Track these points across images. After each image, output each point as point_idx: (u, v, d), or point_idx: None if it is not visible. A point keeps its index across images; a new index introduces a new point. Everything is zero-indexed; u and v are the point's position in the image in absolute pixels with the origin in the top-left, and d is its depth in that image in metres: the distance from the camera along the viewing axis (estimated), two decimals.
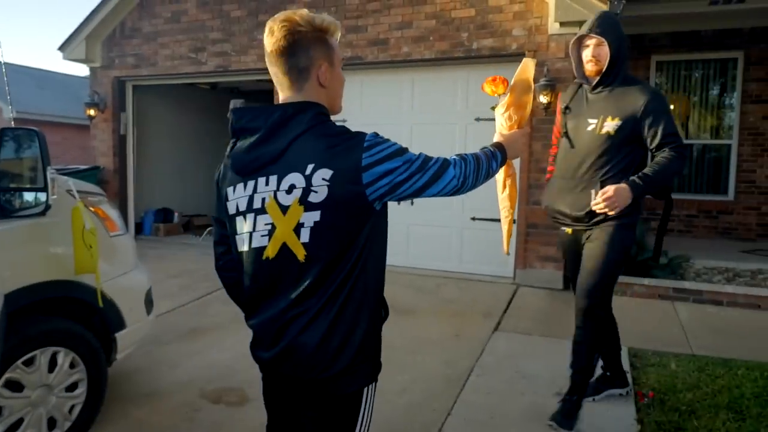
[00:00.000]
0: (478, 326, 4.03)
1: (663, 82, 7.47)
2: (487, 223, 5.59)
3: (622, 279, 5.08)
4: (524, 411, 2.80)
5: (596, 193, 2.39)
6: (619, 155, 2.45)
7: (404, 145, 1.31)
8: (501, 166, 1.53)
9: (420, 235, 5.91)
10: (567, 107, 2.61)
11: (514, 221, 2.26)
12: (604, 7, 4.79)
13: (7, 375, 2.22)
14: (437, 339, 3.86)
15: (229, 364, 3.41)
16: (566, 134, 2.58)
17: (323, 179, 1.20)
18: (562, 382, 2.91)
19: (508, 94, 1.84)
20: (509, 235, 2.06)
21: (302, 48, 1.26)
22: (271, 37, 1.27)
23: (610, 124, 2.42)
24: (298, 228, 1.23)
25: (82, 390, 2.51)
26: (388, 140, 1.27)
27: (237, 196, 1.31)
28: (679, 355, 3.58)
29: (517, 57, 4.96)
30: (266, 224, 1.26)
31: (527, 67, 1.86)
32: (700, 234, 7.15)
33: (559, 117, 2.71)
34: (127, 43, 7.35)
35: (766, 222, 6.96)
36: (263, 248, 1.27)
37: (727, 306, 4.72)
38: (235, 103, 6.32)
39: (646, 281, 4.99)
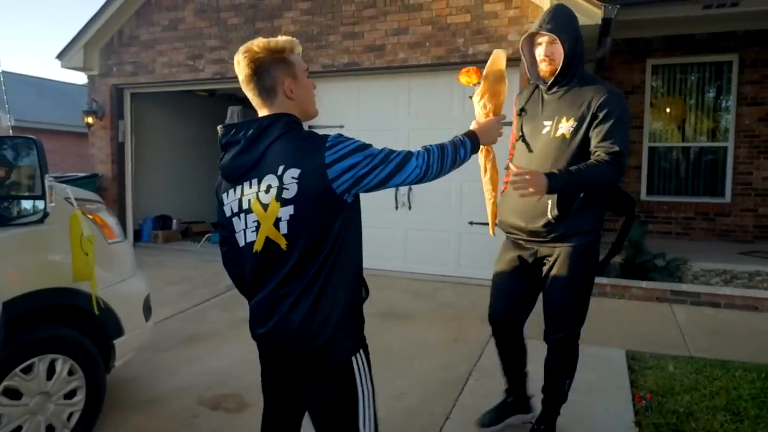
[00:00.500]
0: (477, 330, 4.04)
1: (659, 86, 7.52)
2: (485, 227, 5.60)
3: (619, 282, 5.10)
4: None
5: (553, 205, 2.20)
6: (575, 159, 2.19)
7: (394, 147, 1.49)
8: (473, 152, 1.67)
9: (418, 240, 5.92)
10: (522, 109, 2.41)
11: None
12: (599, 12, 4.83)
13: (5, 382, 2.22)
14: (435, 343, 3.87)
15: (228, 371, 3.42)
16: (522, 138, 2.38)
17: (292, 177, 1.39)
18: None
19: (482, 83, 2.02)
20: (494, 218, 2.22)
21: (264, 71, 1.47)
22: (239, 67, 1.49)
23: (565, 126, 2.21)
24: (277, 222, 1.43)
25: (80, 397, 2.52)
26: (350, 138, 1.44)
27: (230, 200, 1.52)
28: (677, 357, 3.59)
29: (513, 62, 4.99)
30: (253, 222, 1.47)
31: (498, 58, 2.04)
32: (698, 236, 7.17)
33: (515, 120, 2.53)
34: (125, 51, 7.39)
35: (763, 224, 6.98)
36: (253, 242, 1.48)
37: (725, 308, 4.73)
38: (233, 110, 6.40)
39: (644, 284, 5.01)
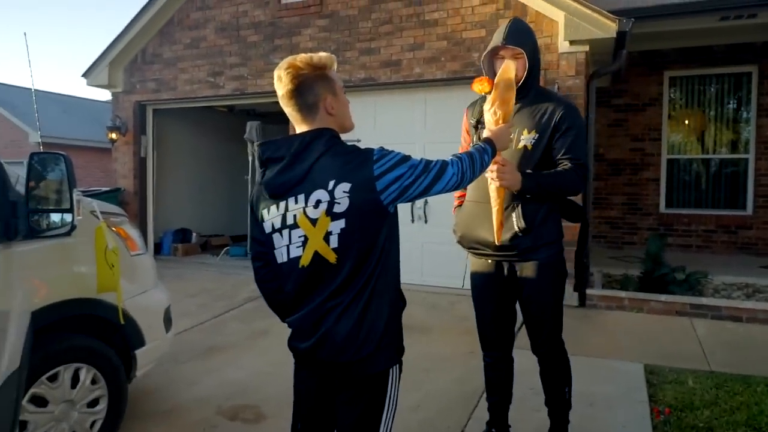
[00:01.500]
0: None
1: (677, 98, 7.47)
2: None
3: (637, 295, 5.05)
4: (538, 428, 2.79)
5: (519, 217, 2.20)
6: (540, 170, 2.22)
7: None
8: (493, 157, 1.79)
9: (433, 253, 5.94)
10: (479, 122, 2.38)
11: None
12: (613, 25, 4.85)
13: (32, 390, 2.29)
14: (451, 356, 3.88)
15: (246, 382, 3.46)
16: None
17: (344, 191, 1.42)
18: (575, 398, 2.90)
19: (493, 91, 2.12)
20: (500, 226, 2.23)
21: (308, 88, 1.49)
22: (280, 83, 1.51)
23: (527, 138, 2.22)
24: (327, 236, 1.45)
25: (102, 406, 2.58)
26: (392, 151, 1.49)
27: (272, 216, 1.54)
28: (696, 372, 3.54)
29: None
30: (299, 237, 1.49)
31: (509, 68, 2.15)
32: (719, 249, 7.06)
33: (467, 136, 2.51)
34: (148, 68, 7.60)
35: None
36: (299, 257, 1.49)
37: (747, 322, 4.64)
38: (251, 125, 6.57)
39: (663, 297, 4.95)
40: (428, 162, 1.52)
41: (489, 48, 2.28)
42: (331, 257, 1.45)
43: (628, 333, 4.42)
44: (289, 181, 1.48)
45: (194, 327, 4.67)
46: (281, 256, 1.53)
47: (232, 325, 4.74)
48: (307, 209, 1.46)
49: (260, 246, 1.62)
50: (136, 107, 7.75)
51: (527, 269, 2.29)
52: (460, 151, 2.61)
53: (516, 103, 2.25)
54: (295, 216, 1.48)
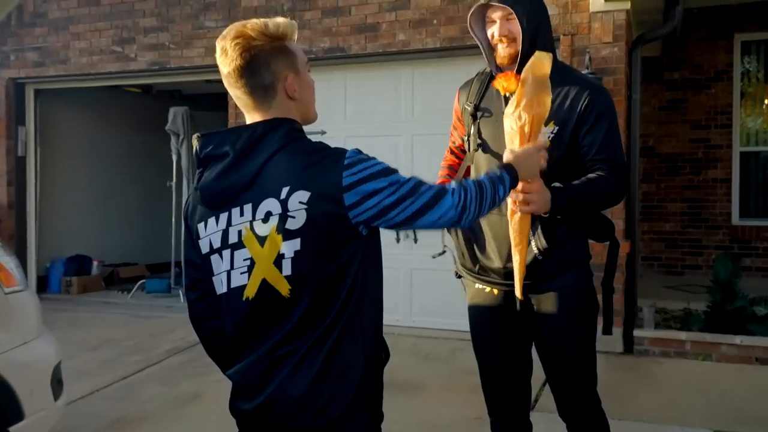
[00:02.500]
0: None
1: (754, 70, 7.70)
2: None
3: (703, 337, 5.16)
4: None
5: (538, 235, 2.24)
6: (559, 175, 2.25)
7: (404, 163, 1.57)
8: (512, 189, 1.80)
9: (426, 284, 5.99)
10: (477, 108, 2.42)
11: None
12: None
13: None
14: (452, 423, 3.92)
15: None
16: (483, 146, 2.40)
17: (300, 202, 1.45)
18: None
19: (518, 88, 2.15)
20: (522, 275, 2.23)
21: (262, 63, 1.53)
22: (226, 58, 1.53)
23: (544, 131, 2.22)
24: (278, 260, 1.48)
25: None
26: (373, 158, 1.53)
27: (210, 232, 1.56)
28: None
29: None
30: (245, 260, 1.52)
31: (541, 62, 2.14)
32: None
33: (458, 123, 2.58)
34: (26, 33, 7.59)
35: None
36: (243, 287, 1.50)
37: None
38: (176, 112, 6.67)
39: (738, 340, 5.06)
40: (420, 183, 1.55)
41: (474, 7, 2.35)
42: (284, 288, 1.49)
43: (692, 388, 4.51)
44: (232, 186, 1.52)
45: (96, 392, 4.65)
46: (220, 286, 1.57)
47: (149, 388, 4.72)
48: (254, 224, 1.50)
49: (196, 271, 1.66)
50: (9, 86, 7.73)
51: (547, 301, 2.33)
52: (447, 152, 2.68)
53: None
54: (239, 232, 1.52)
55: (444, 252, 2.64)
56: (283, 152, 1.50)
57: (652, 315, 5.55)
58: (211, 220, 1.56)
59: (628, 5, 5.29)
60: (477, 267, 2.44)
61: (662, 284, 6.97)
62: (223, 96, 6.90)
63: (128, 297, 7.80)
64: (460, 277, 2.59)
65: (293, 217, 1.46)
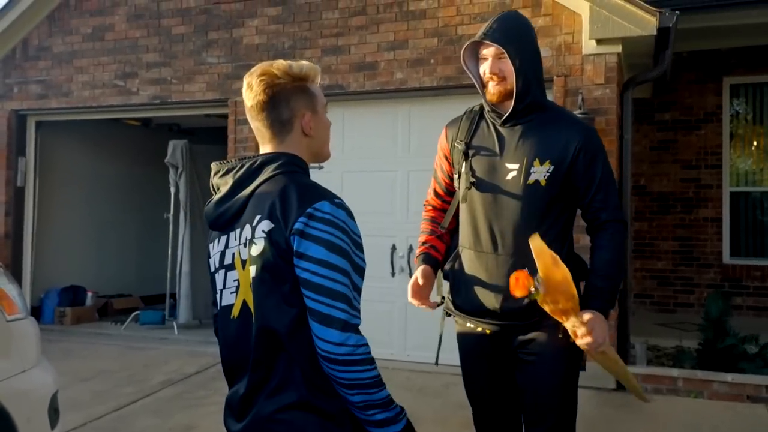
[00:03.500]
0: None
1: (743, 112, 7.85)
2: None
3: (695, 374, 5.20)
4: None
5: (539, 283, 2.20)
6: (553, 214, 2.39)
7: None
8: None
9: (421, 318, 5.96)
10: (469, 146, 2.46)
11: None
12: (653, 20, 5.18)
13: None
14: None
15: None
16: (476, 184, 2.42)
17: (263, 231, 1.56)
18: None
19: (539, 291, 2.16)
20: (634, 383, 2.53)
21: (283, 100, 1.67)
22: (251, 92, 1.69)
23: (540, 171, 2.33)
24: (254, 285, 1.59)
25: None
26: (349, 225, 1.57)
27: (215, 252, 1.71)
28: None
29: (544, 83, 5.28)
30: (234, 280, 1.62)
31: (549, 267, 2.15)
32: None
33: (445, 162, 2.59)
34: (31, 66, 7.71)
35: None
36: (231, 306, 1.62)
37: None
38: (175, 145, 6.77)
39: (730, 377, 5.10)
40: (353, 299, 1.55)
41: (468, 43, 2.43)
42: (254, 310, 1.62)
43: (684, 425, 4.54)
44: (227, 212, 1.67)
45: (89, 423, 4.63)
46: (219, 303, 1.70)
47: (142, 420, 4.71)
48: (240, 248, 1.63)
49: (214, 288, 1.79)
50: (11, 118, 7.82)
51: (539, 337, 2.37)
52: (430, 198, 2.68)
53: (518, 124, 2.40)
54: (233, 255, 1.65)
55: (443, 302, 2.64)
56: (269, 182, 1.62)
57: (645, 352, 5.59)
58: (216, 242, 1.72)
59: (619, 48, 5.45)
60: (469, 306, 2.46)
61: (654, 321, 7.02)
62: (221, 130, 7.02)
63: (122, 328, 7.76)
64: (449, 315, 2.60)
65: (255, 244, 1.58)
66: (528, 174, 2.34)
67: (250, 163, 1.66)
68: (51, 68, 7.62)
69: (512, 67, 2.31)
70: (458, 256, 2.53)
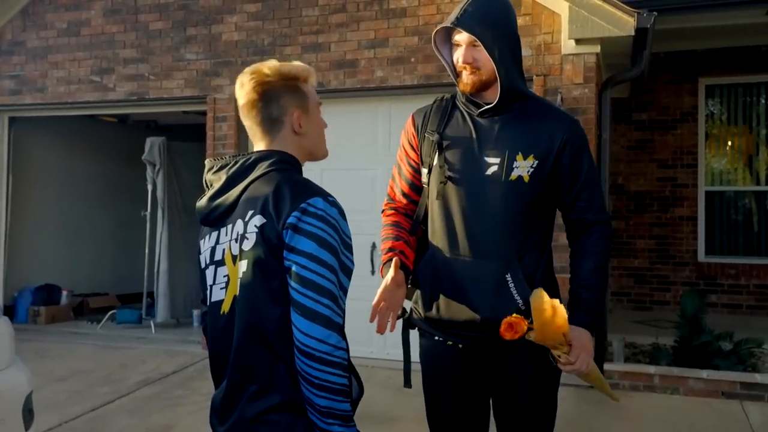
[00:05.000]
0: None
1: (717, 112, 7.96)
2: None
3: (671, 371, 5.27)
4: None
5: (517, 281, 2.10)
6: (535, 215, 2.17)
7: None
8: None
9: None
10: (443, 136, 2.22)
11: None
12: (630, 21, 5.23)
13: None
14: None
15: None
16: (452, 179, 2.16)
17: (255, 226, 1.58)
18: None
19: (532, 337, 1.99)
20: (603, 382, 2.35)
21: (272, 97, 1.70)
22: (242, 91, 1.72)
23: (523, 166, 2.10)
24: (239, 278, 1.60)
25: None
26: (340, 222, 1.59)
27: (205, 248, 1.73)
28: None
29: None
30: (224, 276, 1.64)
31: (544, 310, 1.95)
32: None
33: (411, 153, 2.33)
34: (4, 61, 7.59)
35: None
36: (220, 302, 1.63)
37: None
38: (153, 143, 6.72)
39: (705, 374, 5.17)
40: (339, 297, 1.56)
41: (438, 27, 2.21)
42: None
43: (661, 422, 4.60)
44: (219, 207, 1.70)
45: (64, 424, 4.59)
46: (207, 299, 1.72)
47: (119, 420, 4.67)
48: (231, 243, 1.65)
49: (203, 285, 1.80)
50: None
51: (518, 350, 2.11)
52: (393, 192, 2.37)
53: (496, 115, 2.16)
54: (223, 250, 1.68)
55: (406, 314, 2.35)
56: (261, 179, 1.64)
57: (622, 349, 5.65)
58: (206, 238, 1.75)
59: (598, 48, 5.49)
60: (442, 317, 2.19)
61: (631, 319, 7.09)
62: (200, 127, 6.97)
63: (98, 327, 7.69)
64: (413, 327, 2.33)
65: (247, 239, 1.59)
66: (510, 169, 2.10)
67: (244, 159, 1.68)
68: (25, 63, 7.51)
69: (488, 56, 2.08)
70: (430, 261, 2.24)
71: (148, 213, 8.04)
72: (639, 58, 5.78)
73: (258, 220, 1.58)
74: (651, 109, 7.91)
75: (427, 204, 2.29)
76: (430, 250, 2.26)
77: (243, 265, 1.59)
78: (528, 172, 2.11)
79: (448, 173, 2.17)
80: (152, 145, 7.66)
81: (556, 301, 1.96)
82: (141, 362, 6.07)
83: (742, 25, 6.52)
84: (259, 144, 1.75)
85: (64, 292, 8.41)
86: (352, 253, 1.62)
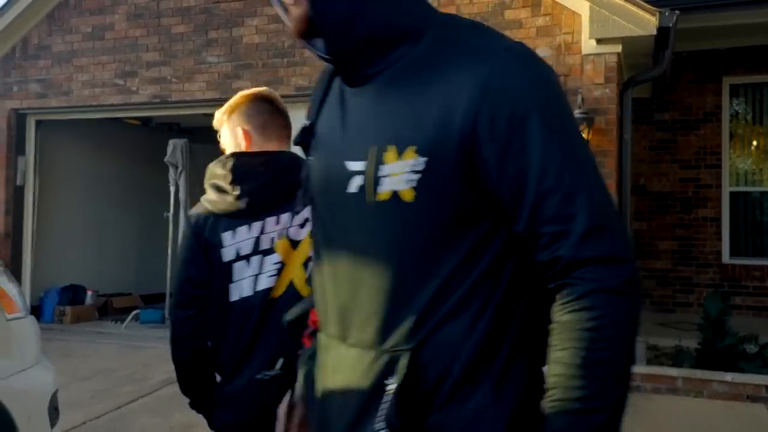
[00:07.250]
0: None
1: (742, 112, 7.85)
2: None
3: (694, 374, 5.19)
4: None
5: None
6: (456, 254, 1.06)
7: None
8: None
9: None
10: (311, 132, 1.26)
11: None
12: (653, 20, 5.18)
13: None
14: None
15: None
16: (314, 206, 1.25)
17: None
18: None
19: None
20: None
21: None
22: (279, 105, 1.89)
23: (397, 169, 1.06)
24: (307, 262, 1.63)
25: None
26: None
27: (239, 239, 1.70)
28: None
29: None
30: (275, 263, 1.65)
31: None
32: None
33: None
34: (30, 65, 7.71)
35: None
36: (269, 289, 1.64)
37: None
38: (175, 144, 6.78)
39: (730, 377, 5.10)
40: None
41: None
42: (305, 291, 1.62)
43: (684, 425, 4.55)
44: (272, 197, 1.71)
45: (88, 422, 4.63)
46: (239, 291, 1.69)
47: (142, 419, 4.71)
48: (291, 229, 1.69)
49: (197, 288, 1.76)
50: (11, 117, 7.82)
51: None
52: None
53: (369, 79, 1.14)
54: (272, 239, 1.70)
55: (279, 373, 1.65)
56: None
57: (644, 352, 5.59)
58: (242, 229, 1.72)
59: (619, 48, 5.45)
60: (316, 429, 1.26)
61: (654, 321, 7.01)
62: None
63: (122, 327, 7.76)
64: None
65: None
66: (376, 180, 1.08)
67: (286, 154, 1.80)
68: (51, 67, 7.62)
69: None
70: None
71: (170, 214, 8.09)
72: (661, 58, 5.73)
73: None
74: (673, 109, 7.81)
75: None
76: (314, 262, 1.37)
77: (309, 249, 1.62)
78: (408, 180, 1.05)
79: (310, 197, 1.27)
80: (174, 147, 7.71)
81: None
82: (164, 361, 6.10)
83: (766, 23, 6.44)
84: (271, 145, 1.85)
85: (89, 293, 8.50)
86: None
